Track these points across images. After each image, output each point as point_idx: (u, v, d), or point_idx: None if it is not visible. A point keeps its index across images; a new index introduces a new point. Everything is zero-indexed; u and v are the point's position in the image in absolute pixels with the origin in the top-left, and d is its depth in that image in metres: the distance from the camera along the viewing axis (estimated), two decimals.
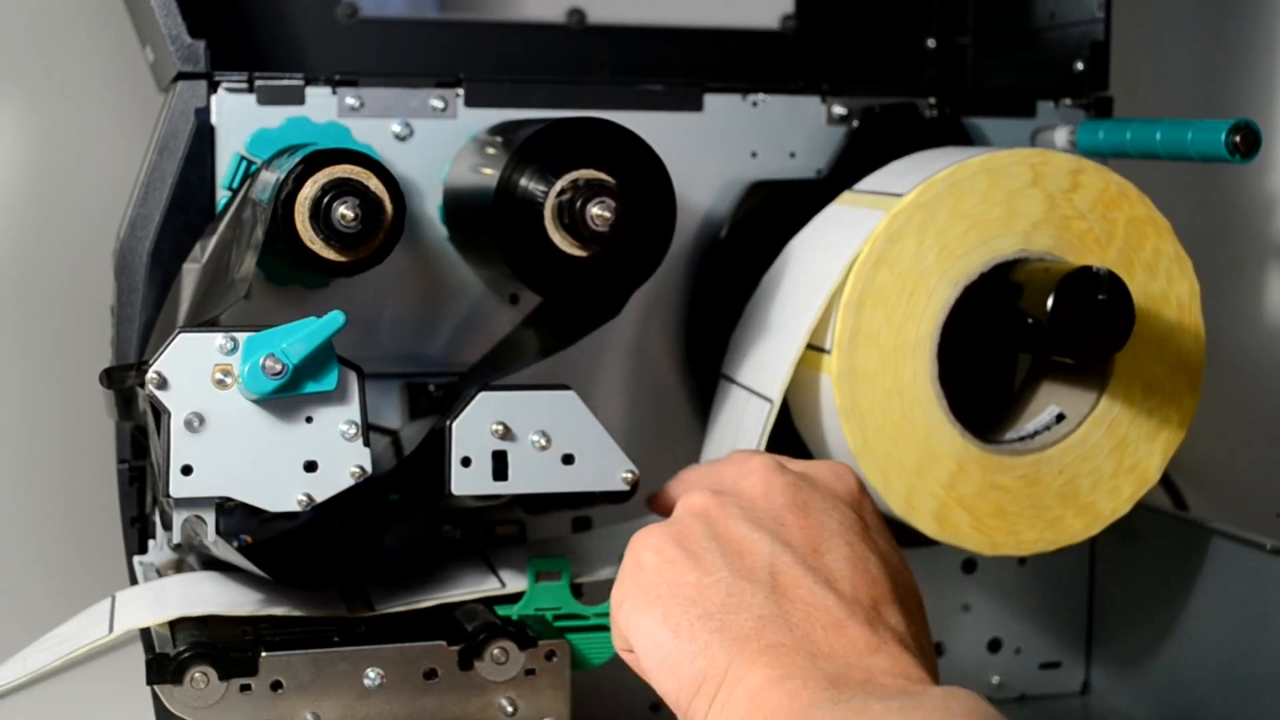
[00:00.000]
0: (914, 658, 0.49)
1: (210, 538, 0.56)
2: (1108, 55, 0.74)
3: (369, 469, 0.57)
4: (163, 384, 0.55)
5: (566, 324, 0.65)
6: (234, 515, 0.64)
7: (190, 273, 0.64)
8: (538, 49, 0.80)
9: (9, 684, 0.67)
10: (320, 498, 0.57)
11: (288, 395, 0.56)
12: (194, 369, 0.56)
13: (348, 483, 0.57)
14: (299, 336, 0.55)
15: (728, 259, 0.71)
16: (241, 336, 0.56)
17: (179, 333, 0.56)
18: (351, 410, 0.57)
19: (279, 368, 0.55)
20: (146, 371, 0.56)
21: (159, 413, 0.56)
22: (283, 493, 0.56)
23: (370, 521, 0.66)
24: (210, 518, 0.56)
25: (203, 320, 0.59)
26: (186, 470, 0.56)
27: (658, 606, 0.51)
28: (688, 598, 0.51)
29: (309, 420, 0.57)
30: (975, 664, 0.77)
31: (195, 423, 0.55)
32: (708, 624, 0.50)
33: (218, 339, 0.56)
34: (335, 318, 0.56)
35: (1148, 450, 0.66)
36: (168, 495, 0.56)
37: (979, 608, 0.77)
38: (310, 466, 0.57)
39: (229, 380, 0.56)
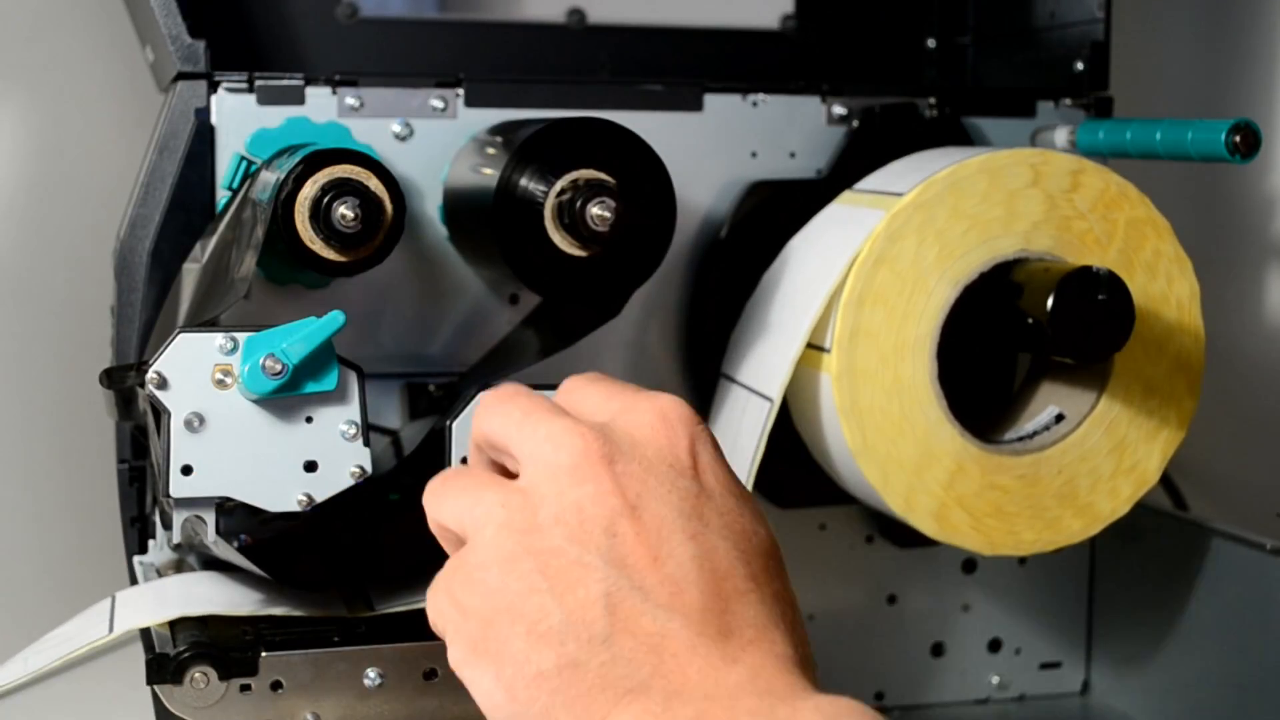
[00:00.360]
0: (777, 661, 0.45)
1: (210, 538, 0.56)
2: (1108, 55, 0.74)
3: (369, 469, 0.57)
4: (163, 384, 0.55)
5: (566, 324, 0.65)
6: (234, 515, 0.64)
7: (190, 273, 0.64)
8: (538, 49, 0.80)
9: (9, 684, 0.67)
10: (320, 498, 0.57)
11: (288, 395, 0.56)
12: (194, 369, 0.56)
13: (348, 483, 0.57)
14: (299, 336, 0.55)
15: (728, 259, 0.71)
16: (241, 336, 0.56)
17: (179, 332, 0.56)
18: (351, 410, 0.57)
19: (279, 368, 0.55)
20: (146, 372, 0.56)
21: (159, 413, 0.56)
22: (283, 493, 0.56)
23: (370, 521, 0.66)
24: (210, 518, 0.56)
25: (203, 320, 0.59)
26: (186, 470, 0.56)
27: (489, 664, 0.47)
28: (519, 653, 0.46)
29: (309, 420, 0.57)
30: (975, 664, 0.77)
31: (195, 423, 0.55)
32: (545, 684, 0.45)
33: (218, 339, 0.56)
34: (335, 318, 0.56)
35: (1147, 451, 0.66)
36: (168, 495, 0.56)
37: (979, 608, 0.77)
38: (310, 466, 0.57)
39: (229, 380, 0.56)
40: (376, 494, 0.64)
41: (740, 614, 0.46)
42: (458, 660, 0.48)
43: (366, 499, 0.61)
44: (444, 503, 0.51)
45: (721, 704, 0.44)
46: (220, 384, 0.56)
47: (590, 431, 0.48)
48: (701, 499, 0.48)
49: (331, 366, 0.56)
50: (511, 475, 0.51)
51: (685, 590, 0.46)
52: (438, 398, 0.68)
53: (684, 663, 0.45)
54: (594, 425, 0.49)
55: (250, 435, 0.56)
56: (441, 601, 0.49)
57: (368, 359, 0.67)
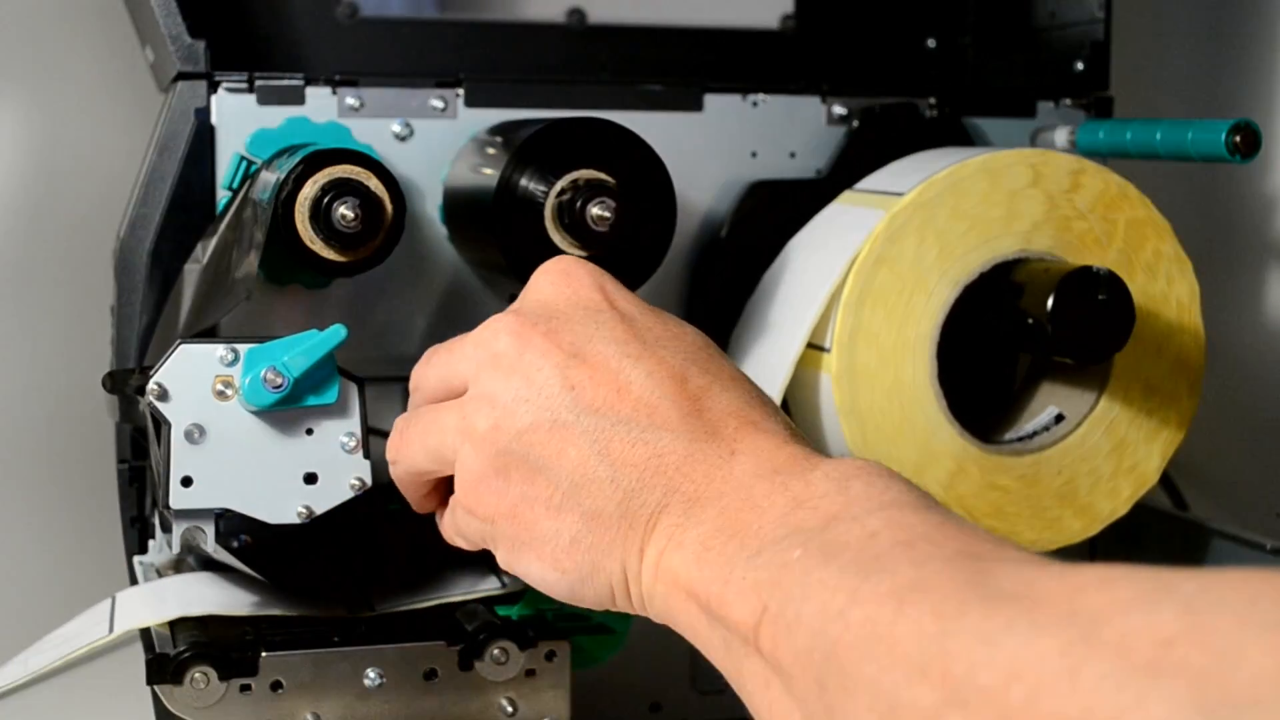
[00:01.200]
0: (769, 439, 0.47)
1: (210, 547, 0.56)
2: (1108, 55, 0.74)
3: (369, 481, 0.57)
4: (163, 395, 0.56)
5: None
6: (234, 517, 0.64)
7: (191, 273, 0.64)
8: (538, 49, 0.80)
9: (9, 684, 0.67)
10: (320, 510, 0.57)
11: (288, 408, 0.56)
12: (194, 380, 0.56)
13: (348, 495, 0.57)
14: (300, 350, 0.55)
15: (728, 259, 0.71)
16: (242, 348, 0.56)
17: (180, 344, 0.56)
18: (352, 423, 0.57)
19: (280, 381, 0.55)
20: (148, 380, 0.56)
21: (159, 422, 0.56)
22: (283, 504, 0.57)
23: (370, 524, 0.66)
24: (209, 528, 0.56)
25: (204, 325, 0.59)
26: (186, 482, 0.56)
27: (530, 551, 0.50)
28: (549, 531, 0.49)
29: (309, 432, 0.57)
30: None
31: (195, 434, 0.56)
32: (581, 545, 0.48)
33: (219, 350, 0.56)
34: (337, 331, 0.56)
35: (1147, 451, 0.66)
36: (167, 506, 0.56)
37: None
38: (310, 478, 0.57)
39: (229, 392, 0.56)
40: (376, 502, 0.64)
41: (714, 408, 0.48)
42: (506, 561, 0.51)
43: (366, 505, 0.61)
44: (410, 448, 0.54)
45: (737, 495, 0.46)
46: (221, 395, 0.56)
47: (504, 316, 0.52)
48: (627, 324, 0.51)
49: (332, 380, 0.57)
50: None
51: (658, 406, 0.48)
52: None
53: (688, 470, 0.47)
54: (508, 315, 0.52)
55: (250, 447, 0.56)
56: (465, 522, 0.52)
57: (367, 360, 0.67)
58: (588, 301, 0.52)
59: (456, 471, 0.52)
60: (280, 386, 0.55)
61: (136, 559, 0.68)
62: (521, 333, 0.51)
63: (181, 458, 0.55)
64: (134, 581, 0.68)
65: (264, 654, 0.57)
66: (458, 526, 0.54)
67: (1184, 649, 0.31)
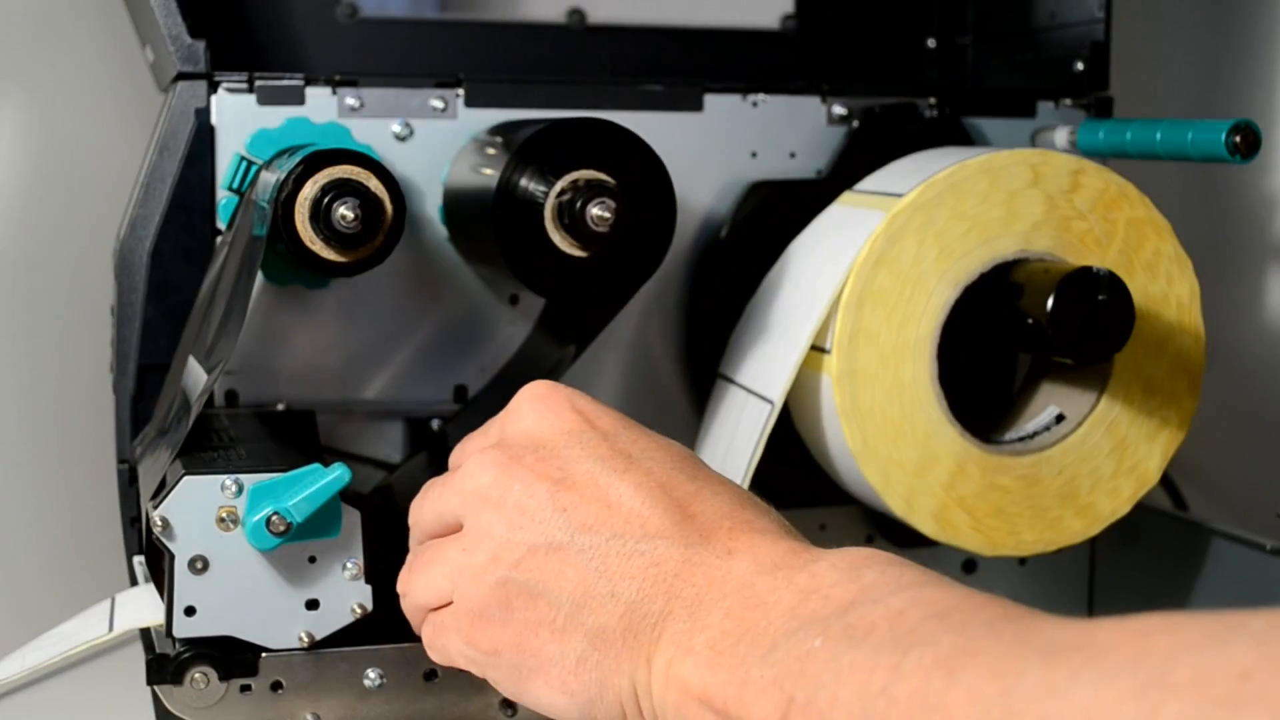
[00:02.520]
0: (765, 538, 0.47)
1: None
2: (1108, 55, 0.74)
3: (370, 607, 0.58)
4: (167, 528, 0.56)
5: (577, 327, 0.66)
6: None
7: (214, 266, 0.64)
8: (538, 49, 0.80)
9: (7, 681, 0.67)
10: (321, 635, 0.58)
11: (292, 543, 0.57)
12: (197, 512, 0.56)
13: (349, 619, 0.58)
14: (305, 496, 0.56)
15: (728, 259, 0.71)
16: (247, 481, 0.56)
17: (184, 475, 0.56)
18: (354, 550, 0.58)
19: (284, 526, 0.56)
20: (154, 508, 0.56)
21: (161, 552, 0.57)
22: (284, 630, 0.58)
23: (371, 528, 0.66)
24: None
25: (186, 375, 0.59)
26: (190, 611, 0.57)
27: (537, 678, 0.49)
28: (555, 655, 0.49)
29: (312, 560, 0.58)
30: None
31: (199, 565, 0.56)
32: (588, 664, 0.48)
33: (222, 481, 0.56)
34: (341, 477, 0.56)
35: (1147, 451, 0.66)
36: (170, 635, 0.57)
37: None
38: (312, 604, 0.58)
39: (232, 522, 0.56)
40: (377, 509, 0.64)
41: (705, 512, 0.48)
42: (513, 692, 0.51)
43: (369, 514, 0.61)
44: (416, 584, 0.54)
45: (741, 595, 0.45)
46: (224, 525, 0.56)
47: (487, 449, 0.52)
48: (609, 441, 0.51)
49: (336, 517, 0.57)
50: None
51: (649, 516, 0.48)
52: (439, 433, 0.68)
53: (687, 576, 0.47)
54: (489, 447, 0.52)
55: (253, 576, 0.57)
56: (459, 651, 0.52)
57: (367, 360, 0.67)
58: (568, 425, 0.52)
59: (456, 604, 0.52)
60: (284, 532, 0.56)
61: (136, 559, 0.68)
62: (507, 467, 0.51)
63: (184, 588, 0.56)
64: (134, 581, 0.68)
65: (264, 654, 0.57)
66: (447, 653, 0.53)
67: (1262, 680, 0.31)
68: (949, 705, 0.37)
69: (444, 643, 0.53)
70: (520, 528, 0.50)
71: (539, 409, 0.53)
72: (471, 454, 0.53)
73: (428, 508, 0.55)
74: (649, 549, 0.48)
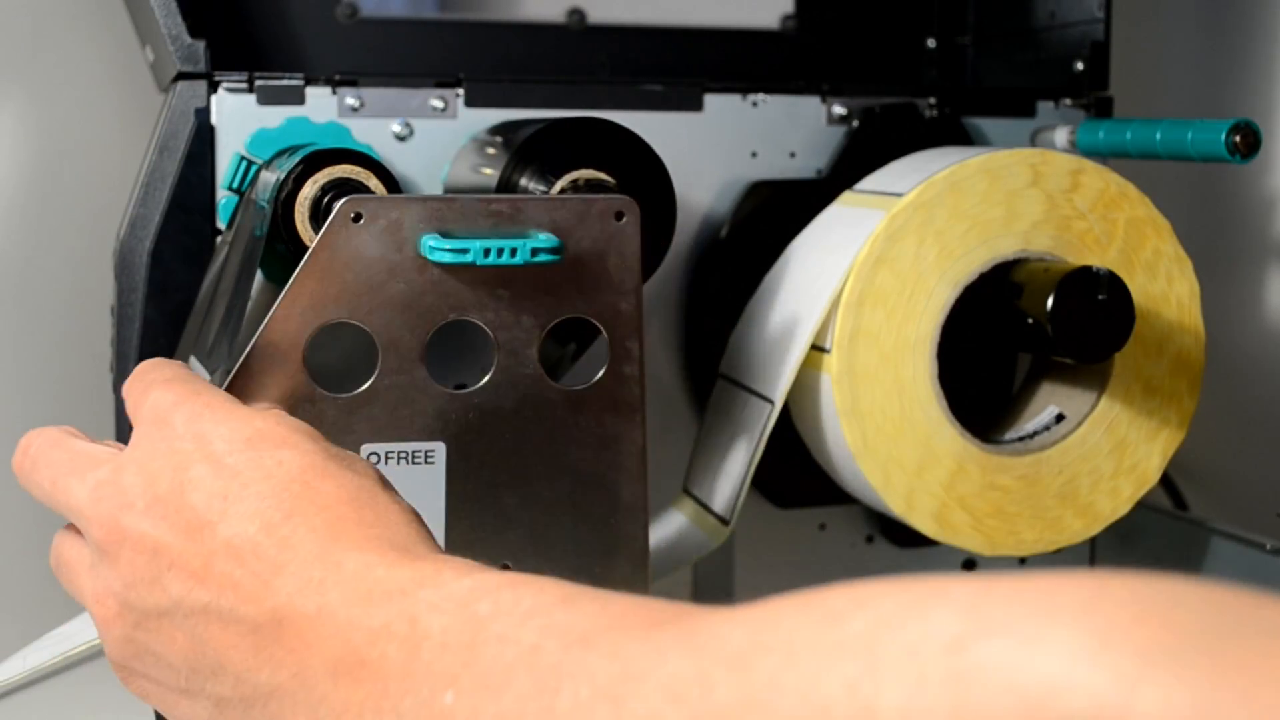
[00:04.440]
0: (341, 576, 0.42)
1: None
2: (1108, 55, 0.74)
3: None
4: None
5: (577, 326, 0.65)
6: None
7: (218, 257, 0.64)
8: (538, 49, 0.80)
9: (8, 681, 0.67)
10: None
11: None
12: None
13: None
14: None
15: (728, 259, 0.71)
16: None
17: None
18: None
19: None
20: None
21: None
22: None
23: None
24: None
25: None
26: None
27: (175, 715, 0.47)
28: (187, 714, 0.46)
29: None
30: None
31: None
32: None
33: None
34: None
35: (1147, 450, 0.66)
36: None
37: None
38: None
39: None
40: None
41: (291, 561, 0.44)
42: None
43: None
44: (62, 574, 0.51)
45: (343, 660, 0.41)
46: None
47: (102, 495, 0.48)
48: (177, 518, 0.46)
49: None
50: None
51: (235, 579, 0.44)
52: None
53: (287, 642, 0.43)
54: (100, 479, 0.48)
55: None
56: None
57: (365, 359, 0.67)
58: (169, 467, 0.47)
59: (100, 635, 0.48)
60: None
61: None
62: (116, 521, 0.47)
63: None
64: None
65: None
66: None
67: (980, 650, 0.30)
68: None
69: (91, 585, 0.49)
70: (133, 589, 0.46)
71: (153, 444, 0.48)
72: (94, 473, 0.49)
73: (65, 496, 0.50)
74: (241, 615, 0.44)
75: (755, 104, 0.72)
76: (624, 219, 0.56)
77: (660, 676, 0.34)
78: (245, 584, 0.44)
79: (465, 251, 0.53)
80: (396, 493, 0.48)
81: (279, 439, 0.47)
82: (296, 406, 0.54)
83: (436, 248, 0.53)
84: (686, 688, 0.33)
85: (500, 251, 0.53)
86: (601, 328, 0.56)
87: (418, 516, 0.47)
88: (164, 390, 0.49)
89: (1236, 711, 0.26)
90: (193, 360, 0.62)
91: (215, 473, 0.46)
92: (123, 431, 0.67)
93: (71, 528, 0.51)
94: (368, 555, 0.43)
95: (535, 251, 0.54)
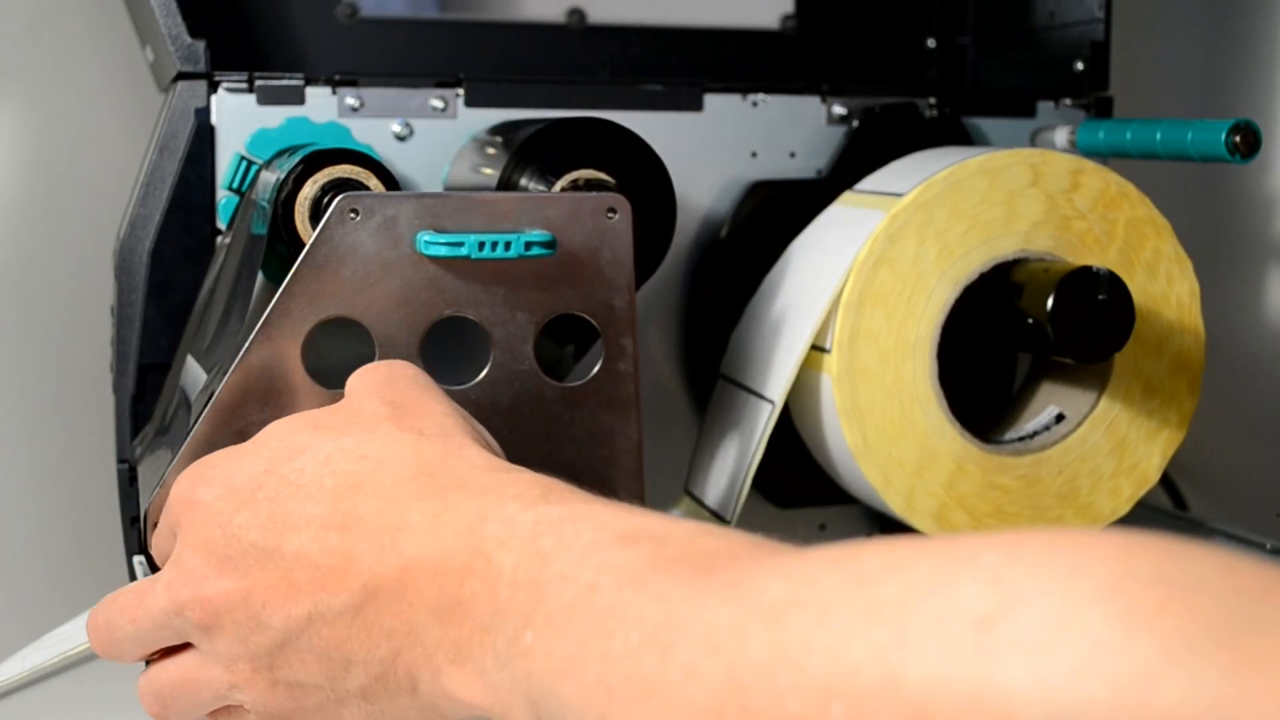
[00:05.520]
0: (409, 531, 0.44)
1: None
2: (1108, 55, 0.74)
3: None
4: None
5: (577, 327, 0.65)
6: None
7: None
8: (538, 49, 0.80)
9: (7, 680, 0.67)
10: None
11: None
12: None
13: None
14: None
15: (728, 259, 0.71)
16: None
17: None
18: None
19: None
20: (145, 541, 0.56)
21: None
22: None
23: None
24: None
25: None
26: None
27: None
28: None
29: None
30: None
31: None
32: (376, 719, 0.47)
33: None
34: None
35: (1147, 450, 0.66)
36: None
37: None
38: None
39: None
40: None
41: (364, 526, 0.46)
42: None
43: None
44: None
45: (438, 603, 0.43)
46: None
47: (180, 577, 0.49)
48: (234, 534, 0.48)
49: None
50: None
51: (320, 566, 0.46)
52: None
53: (386, 610, 0.45)
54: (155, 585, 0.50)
55: None
56: None
57: (365, 358, 0.67)
58: (210, 516, 0.49)
59: (255, 710, 0.49)
60: None
61: (136, 559, 0.68)
62: (199, 597, 0.49)
63: None
64: (134, 581, 0.68)
65: None
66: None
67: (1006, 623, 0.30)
68: (667, 685, 0.35)
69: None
70: (248, 642, 0.48)
71: (194, 526, 0.49)
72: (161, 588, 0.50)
73: (138, 635, 0.51)
74: (336, 605, 0.45)
75: (755, 104, 0.72)
76: (616, 216, 0.56)
77: (701, 626, 0.35)
78: (328, 578, 0.45)
79: (460, 245, 0.53)
80: (433, 389, 0.50)
81: (295, 448, 0.49)
82: (294, 401, 0.55)
83: (432, 242, 0.53)
84: (724, 638, 0.34)
85: (495, 245, 0.54)
86: (596, 324, 0.56)
87: (462, 415, 0.49)
88: (176, 487, 0.51)
89: (1255, 707, 0.26)
90: (190, 360, 0.62)
91: (255, 511, 0.48)
92: (123, 431, 0.67)
93: (151, 661, 0.52)
94: (430, 502, 0.45)
95: (529, 245, 0.54)
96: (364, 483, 0.46)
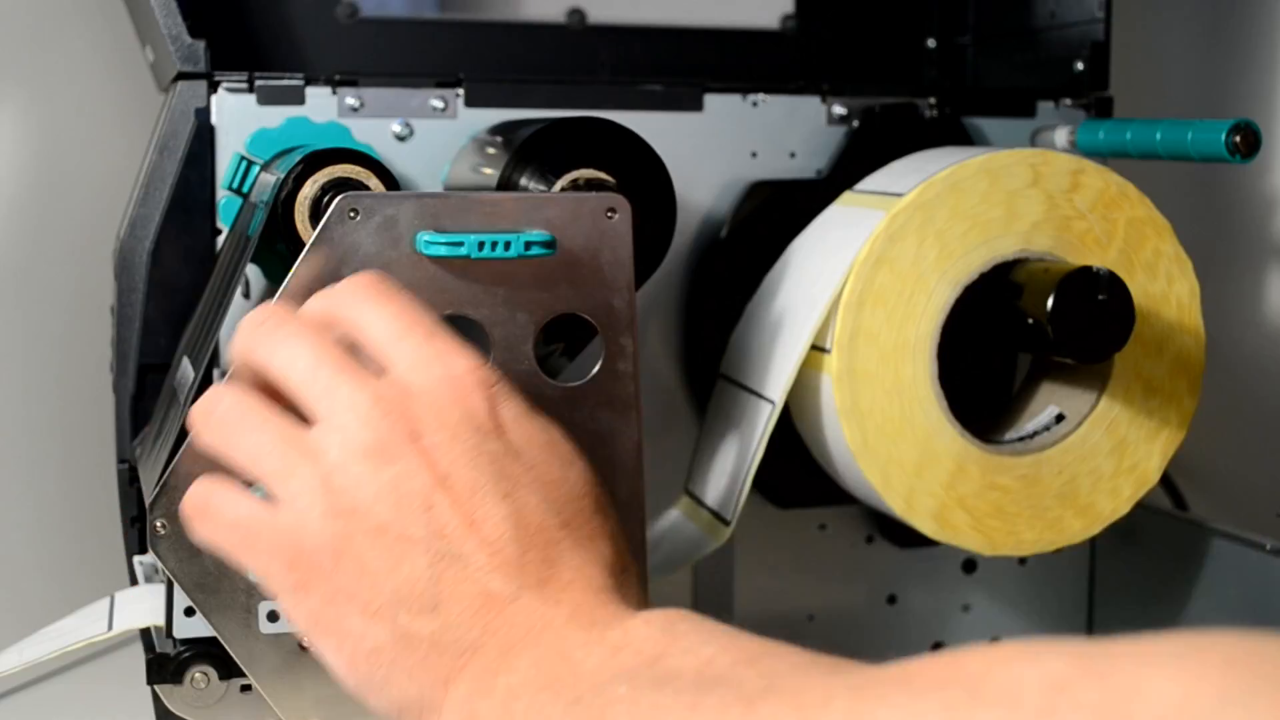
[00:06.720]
0: (596, 596, 0.46)
1: None
2: (1108, 55, 0.74)
3: None
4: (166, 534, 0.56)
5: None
6: None
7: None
8: (538, 49, 0.80)
9: (5, 675, 0.67)
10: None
11: None
12: None
13: None
14: None
15: (728, 259, 0.71)
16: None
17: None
18: None
19: None
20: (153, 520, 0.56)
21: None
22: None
23: None
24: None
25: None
26: (190, 611, 0.57)
27: (330, 638, 0.48)
28: (356, 630, 0.47)
29: None
30: None
31: None
32: (382, 657, 0.47)
33: None
34: None
35: (1147, 450, 0.66)
36: (170, 635, 0.57)
37: (979, 608, 0.77)
38: None
39: None
40: None
41: (558, 560, 0.47)
42: (300, 627, 0.49)
43: None
44: (237, 441, 0.50)
45: (552, 645, 0.45)
46: None
47: (393, 406, 0.48)
48: (509, 458, 0.49)
49: None
50: (285, 401, 0.50)
51: (503, 549, 0.47)
52: None
53: (510, 617, 0.46)
54: (394, 395, 0.49)
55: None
56: (275, 568, 0.49)
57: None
58: (478, 424, 0.49)
59: (281, 519, 0.48)
60: None
61: (136, 559, 0.68)
62: (400, 442, 0.48)
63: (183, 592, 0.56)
64: (134, 581, 0.68)
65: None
66: (261, 561, 0.49)
67: (1079, 689, 0.30)
68: None
69: (240, 540, 0.49)
70: (383, 502, 0.47)
71: (457, 392, 0.49)
72: (363, 337, 0.50)
73: (283, 360, 0.50)
74: (485, 581, 0.46)
75: (755, 104, 0.72)
76: (616, 216, 0.56)
77: (792, 693, 0.36)
78: (505, 555, 0.47)
79: (460, 245, 0.53)
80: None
81: (564, 456, 0.50)
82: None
83: (432, 242, 0.53)
84: (812, 701, 0.35)
85: (495, 245, 0.54)
86: (596, 324, 0.56)
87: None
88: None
89: None
90: (185, 361, 0.62)
91: (508, 455, 0.49)
92: (123, 431, 0.67)
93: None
94: (603, 590, 0.47)
95: (529, 245, 0.54)
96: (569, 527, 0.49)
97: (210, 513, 0.50)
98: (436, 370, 0.49)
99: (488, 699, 0.44)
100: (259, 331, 0.51)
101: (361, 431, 0.48)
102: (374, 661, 0.47)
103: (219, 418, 0.50)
